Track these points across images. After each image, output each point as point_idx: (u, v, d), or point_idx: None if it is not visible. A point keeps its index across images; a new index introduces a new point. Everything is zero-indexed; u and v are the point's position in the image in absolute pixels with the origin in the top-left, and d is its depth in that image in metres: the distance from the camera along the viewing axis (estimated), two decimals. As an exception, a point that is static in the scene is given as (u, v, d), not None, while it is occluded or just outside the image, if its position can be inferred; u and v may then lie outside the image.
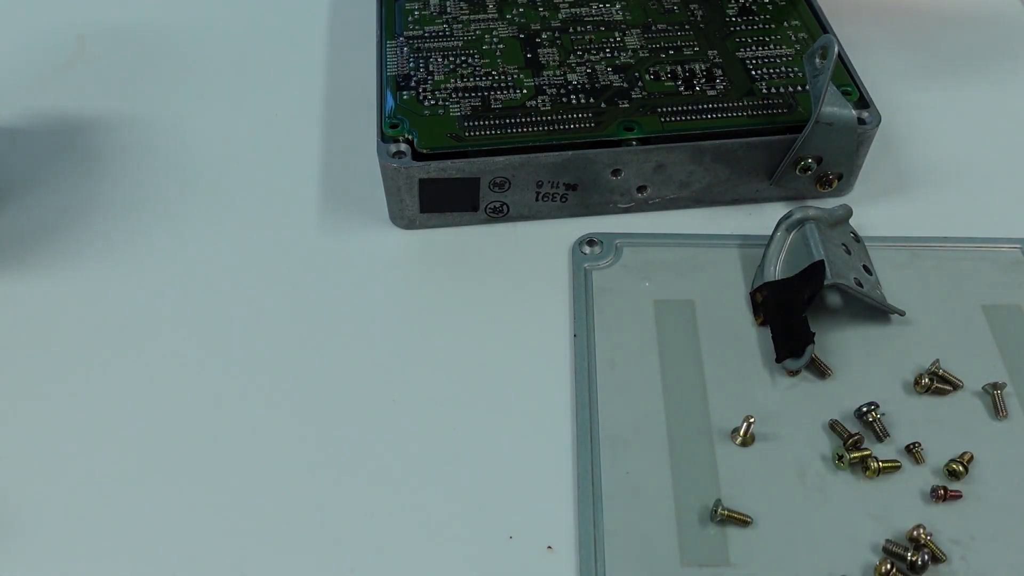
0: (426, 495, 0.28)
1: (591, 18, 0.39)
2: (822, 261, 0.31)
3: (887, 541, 0.26)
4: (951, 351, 0.31)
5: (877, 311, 0.32)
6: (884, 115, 0.35)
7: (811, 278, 0.31)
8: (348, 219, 0.36)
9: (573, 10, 0.39)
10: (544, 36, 0.38)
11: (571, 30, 0.38)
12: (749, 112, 0.34)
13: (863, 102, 0.35)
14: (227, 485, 0.28)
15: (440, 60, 0.37)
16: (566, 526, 0.27)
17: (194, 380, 0.31)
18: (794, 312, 0.30)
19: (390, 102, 0.35)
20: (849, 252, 0.32)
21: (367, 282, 0.34)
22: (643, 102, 0.35)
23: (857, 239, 0.34)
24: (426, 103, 0.35)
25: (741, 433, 0.28)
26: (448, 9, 0.39)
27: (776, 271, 0.32)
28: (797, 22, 0.38)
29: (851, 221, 0.34)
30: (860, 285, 0.31)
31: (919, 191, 0.37)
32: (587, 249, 0.34)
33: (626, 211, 0.36)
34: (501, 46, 0.37)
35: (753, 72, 0.36)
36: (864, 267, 0.32)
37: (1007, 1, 0.46)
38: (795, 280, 0.31)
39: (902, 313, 0.31)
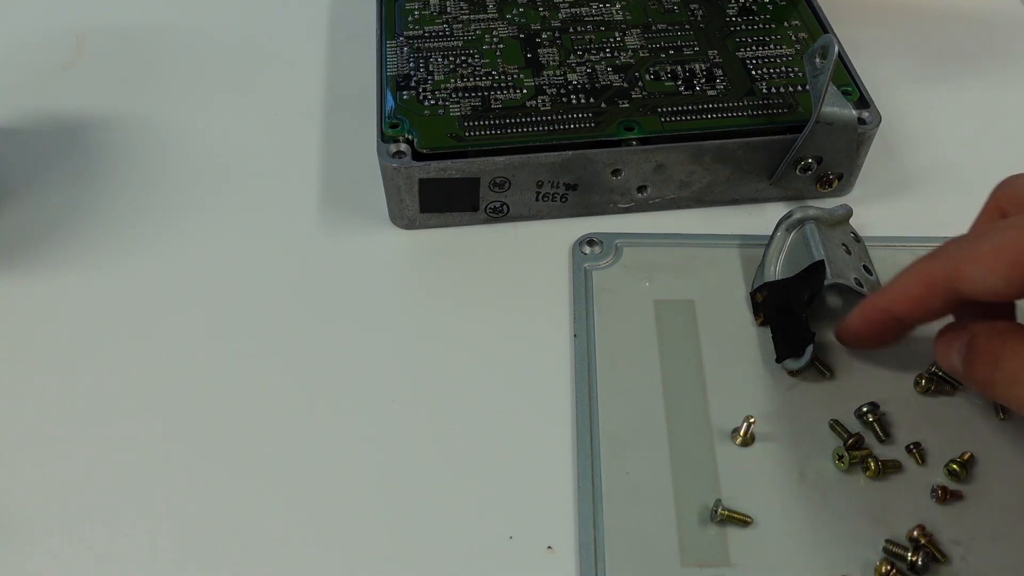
0: (426, 495, 0.28)
1: (591, 18, 0.39)
2: (823, 261, 0.31)
3: (887, 541, 0.26)
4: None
5: (877, 311, 0.32)
6: (884, 115, 0.35)
7: (811, 278, 0.31)
8: (348, 219, 0.36)
9: (573, 10, 0.39)
10: (544, 36, 0.38)
11: (571, 30, 0.38)
12: (749, 112, 0.34)
13: (863, 102, 0.35)
14: (226, 484, 0.28)
15: (440, 60, 0.37)
16: (566, 526, 0.27)
17: (194, 380, 0.31)
18: (794, 312, 0.30)
19: (390, 102, 0.35)
20: (849, 252, 0.32)
21: (367, 282, 0.34)
22: (643, 102, 0.35)
23: (857, 239, 0.34)
24: (426, 103, 0.35)
25: (741, 433, 0.28)
26: (448, 9, 0.39)
27: (776, 271, 0.32)
28: (797, 22, 0.38)
29: (851, 221, 0.34)
30: (860, 285, 0.31)
31: (919, 191, 0.37)
32: (587, 249, 0.34)
33: (626, 211, 0.36)
34: (501, 46, 0.37)
35: (753, 72, 0.36)
36: (864, 267, 0.32)
37: (1007, 1, 0.46)
38: (795, 280, 0.31)
39: None
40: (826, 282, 0.30)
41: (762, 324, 0.32)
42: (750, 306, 0.32)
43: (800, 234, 0.32)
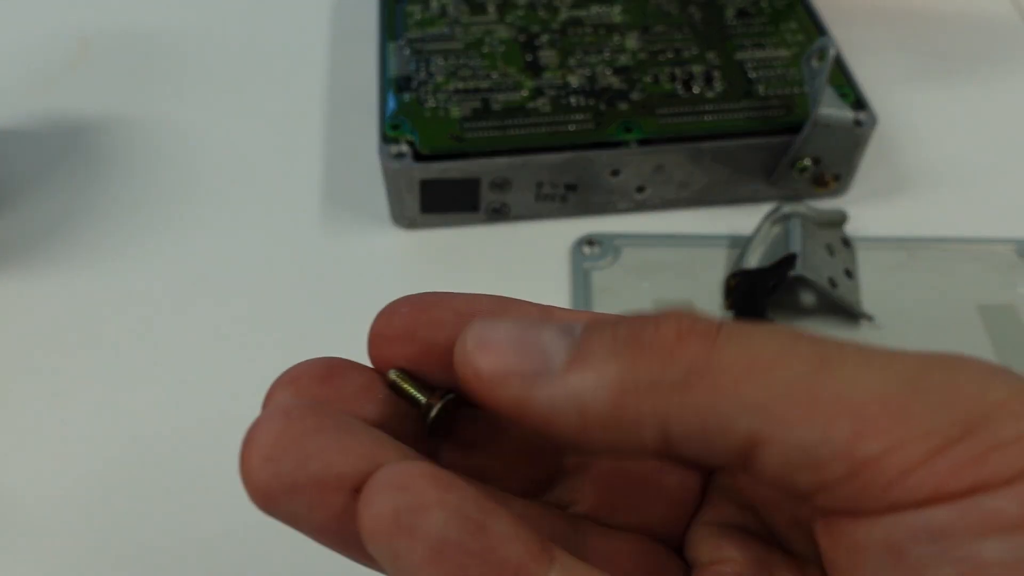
0: (428, 492, 0.28)
1: (591, 20, 0.39)
2: (795, 254, 0.31)
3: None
4: (947, 351, 0.31)
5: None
6: (881, 116, 0.35)
7: (780, 268, 0.31)
8: (349, 220, 0.36)
9: (573, 12, 0.39)
10: (544, 38, 0.38)
11: (571, 32, 0.38)
12: (747, 113, 0.35)
13: (860, 103, 0.35)
14: (225, 484, 0.28)
15: (441, 62, 0.37)
16: (566, 523, 0.27)
17: (195, 380, 0.31)
18: (757, 298, 0.31)
19: (391, 103, 0.35)
20: (832, 254, 0.32)
21: (368, 282, 0.34)
22: (642, 103, 0.35)
23: (847, 244, 0.34)
24: (427, 104, 0.35)
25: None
26: (449, 11, 0.39)
27: (755, 261, 0.32)
28: (795, 24, 0.39)
29: (849, 220, 0.34)
30: (834, 286, 0.31)
31: (915, 191, 0.37)
32: (587, 249, 0.34)
33: (626, 211, 0.36)
34: (502, 48, 0.38)
35: (751, 74, 0.36)
36: (846, 271, 0.32)
37: (1002, 4, 0.46)
38: (767, 269, 0.32)
39: (870, 318, 0.31)
40: (792, 273, 0.30)
41: (729, 309, 0.32)
42: (723, 291, 0.32)
43: (783, 228, 0.33)
